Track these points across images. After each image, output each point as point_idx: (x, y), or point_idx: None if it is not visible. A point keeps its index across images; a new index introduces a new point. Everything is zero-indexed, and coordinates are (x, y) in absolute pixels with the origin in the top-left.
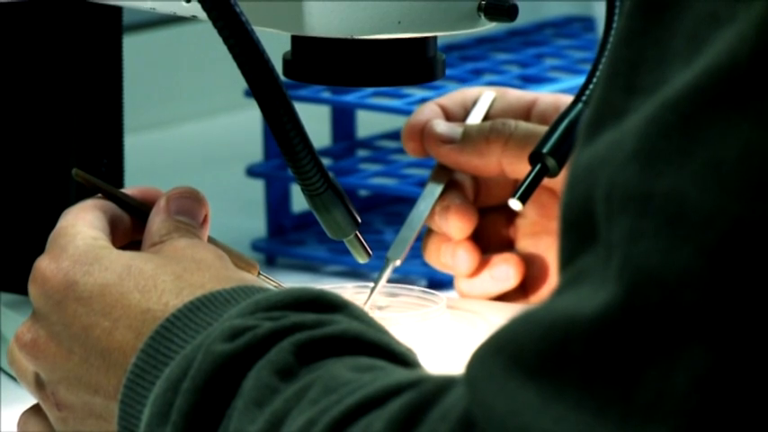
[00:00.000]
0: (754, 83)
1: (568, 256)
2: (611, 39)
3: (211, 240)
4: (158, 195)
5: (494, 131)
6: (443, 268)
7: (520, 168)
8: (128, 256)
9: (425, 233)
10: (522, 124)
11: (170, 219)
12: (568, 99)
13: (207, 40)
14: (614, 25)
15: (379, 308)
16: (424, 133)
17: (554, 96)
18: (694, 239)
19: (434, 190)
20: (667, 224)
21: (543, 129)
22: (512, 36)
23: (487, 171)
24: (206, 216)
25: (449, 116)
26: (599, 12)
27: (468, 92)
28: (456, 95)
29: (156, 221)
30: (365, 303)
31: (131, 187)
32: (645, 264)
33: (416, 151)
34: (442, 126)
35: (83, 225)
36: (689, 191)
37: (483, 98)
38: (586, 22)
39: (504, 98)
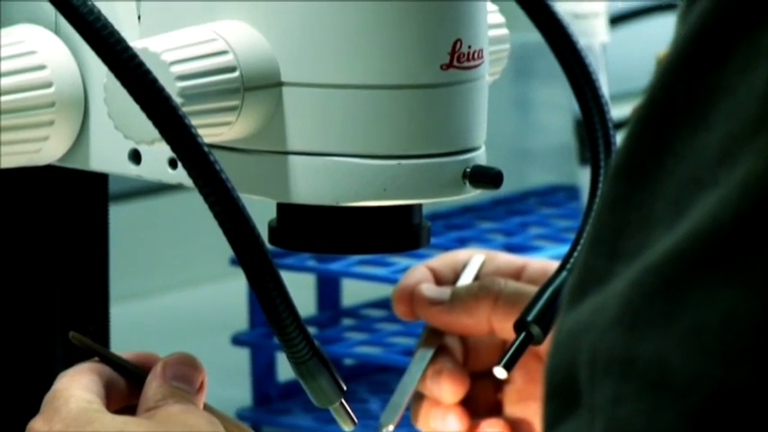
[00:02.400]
0: (736, 247)
1: (552, 421)
2: (595, 206)
3: (207, 407)
4: (155, 360)
5: (483, 289)
6: None
7: (510, 327)
8: (121, 420)
9: (415, 398)
10: (512, 283)
11: (166, 384)
12: (557, 265)
13: (192, 209)
14: (598, 193)
15: None
16: (413, 296)
17: (543, 262)
18: (677, 404)
19: (425, 355)
20: (650, 388)
21: (533, 289)
22: (496, 205)
23: (477, 330)
24: (202, 382)
25: (438, 279)
26: (583, 180)
27: (457, 255)
28: (446, 258)
29: (152, 386)
30: None
31: (128, 351)
32: (628, 428)
33: (406, 314)
34: (431, 290)
35: (77, 388)
36: (672, 355)
37: (473, 261)
38: (570, 191)
39: (493, 262)
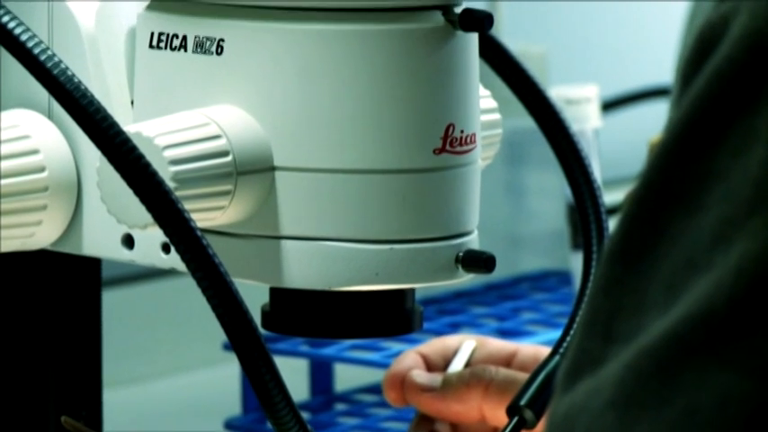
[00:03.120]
0: (730, 331)
1: None
2: (587, 290)
3: None
4: None
5: (474, 376)
6: None
7: (501, 414)
8: None
9: None
10: (503, 370)
11: None
12: (548, 351)
13: (185, 293)
14: (591, 278)
15: None
16: (404, 383)
17: (534, 348)
18: None
19: None
20: None
21: (524, 376)
22: (489, 290)
23: (468, 417)
24: None
25: (429, 365)
26: (575, 266)
27: (448, 340)
28: (436, 344)
29: None
30: None
31: None
32: None
33: (397, 401)
34: (422, 376)
35: None
36: None
37: (464, 347)
38: (563, 277)
39: (484, 348)
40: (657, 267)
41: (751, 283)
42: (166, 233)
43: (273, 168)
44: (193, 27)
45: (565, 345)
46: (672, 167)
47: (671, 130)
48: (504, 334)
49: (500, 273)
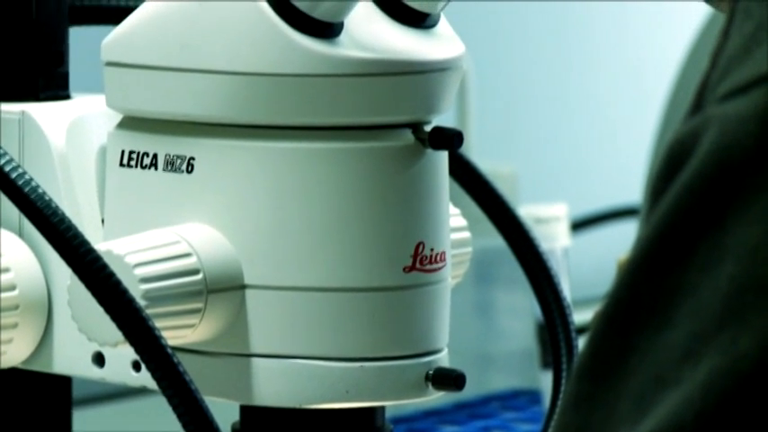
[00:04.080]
0: None
1: None
2: (557, 408)
3: None
4: None
5: None
6: None
7: None
8: None
9: None
10: None
11: None
12: None
13: (156, 413)
14: (561, 396)
15: None
16: None
17: None
18: None
19: None
20: None
21: None
22: (459, 408)
23: None
24: None
25: None
26: (545, 385)
27: None
28: None
29: None
30: None
31: None
32: None
33: None
34: None
35: None
36: None
37: None
38: (532, 396)
39: None
40: (626, 383)
41: (719, 399)
42: (137, 351)
43: (244, 286)
44: (164, 145)
45: None
46: (641, 282)
47: (640, 245)
48: None
49: (470, 391)
